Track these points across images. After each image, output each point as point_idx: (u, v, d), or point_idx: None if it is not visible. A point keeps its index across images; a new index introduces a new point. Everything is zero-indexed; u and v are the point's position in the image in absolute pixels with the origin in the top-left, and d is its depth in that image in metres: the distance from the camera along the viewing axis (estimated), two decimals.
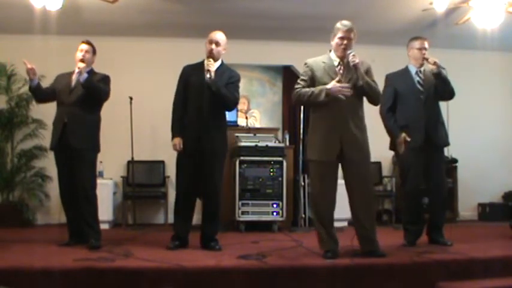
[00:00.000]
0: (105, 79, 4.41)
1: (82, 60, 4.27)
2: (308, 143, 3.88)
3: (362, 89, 3.75)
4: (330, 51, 3.87)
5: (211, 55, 4.15)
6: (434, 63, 4.23)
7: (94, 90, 4.26)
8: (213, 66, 4.07)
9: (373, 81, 3.84)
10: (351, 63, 3.68)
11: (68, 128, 4.21)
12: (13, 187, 6.45)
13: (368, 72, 3.82)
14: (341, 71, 3.76)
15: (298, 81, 3.90)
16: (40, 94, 4.37)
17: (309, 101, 3.78)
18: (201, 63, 4.22)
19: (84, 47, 4.36)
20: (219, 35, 4.20)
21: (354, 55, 3.69)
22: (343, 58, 3.77)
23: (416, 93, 4.34)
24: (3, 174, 6.41)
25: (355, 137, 3.73)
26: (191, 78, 4.22)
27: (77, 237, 4.30)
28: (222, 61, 4.29)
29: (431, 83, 4.33)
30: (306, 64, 3.88)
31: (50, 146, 4.39)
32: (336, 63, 3.80)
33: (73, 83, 4.30)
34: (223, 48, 4.24)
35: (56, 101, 4.40)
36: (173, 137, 4.22)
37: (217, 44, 4.17)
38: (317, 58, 3.88)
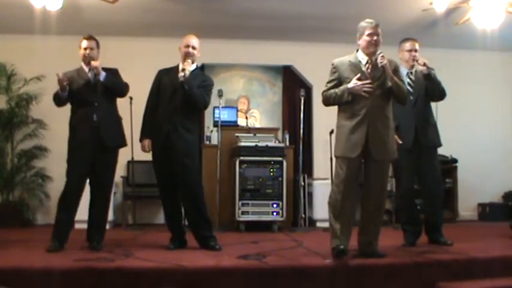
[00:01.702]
0: (117, 73, 4.36)
1: (93, 58, 4.17)
2: (335, 140, 3.86)
3: (390, 89, 3.73)
4: (357, 50, 3.83)
5: (188, 57, 4.17)
6: (424, 64, 4.23)
7: (116, 87, 4.24)
8: (189, 65, 4.12)
9: (401, 80, 3.85)
10: (380, 64, 3.67)
11: (101, 127, 4.10)
12: (13, 187, 6.46)
13: (396, 71, 3.82)
14: (369, 70, 3.72)
15: (326, 83, 3.88)
16: (65, 101, 4.21)
17: (335, 102, 3.78)
18: (176, 66, 4.27)
19: (88, 43, 4.22)
20: (194, 40, 4.24)
21: (382, 56, 3.68)
22: (372, 55, 3.74)
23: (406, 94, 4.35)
24: (3, 174, 6.41)
25: (381, 137, 3.70)
26: (163, 80, 4.26)
27: (65, 240, 4.11)
28: (197, 65, 4.33)
29: (422, 84, 4.34)
30: (332, 65, 3.86)
31: (77, 146, 4.12)
32: (364, 62, 3.76)
33: (92, 80, 4.18)
34: (198, 51, 4.27)
35: (71, 101, 4.23)
36: (141, 138, 4.26)
37: (193, 47, 4.22)
38: (343, 57, 3.85)
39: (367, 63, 3.75)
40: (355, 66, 3.75)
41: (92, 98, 4.15)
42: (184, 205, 4.24)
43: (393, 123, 3.85)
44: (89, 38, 4.26)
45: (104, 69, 4.26)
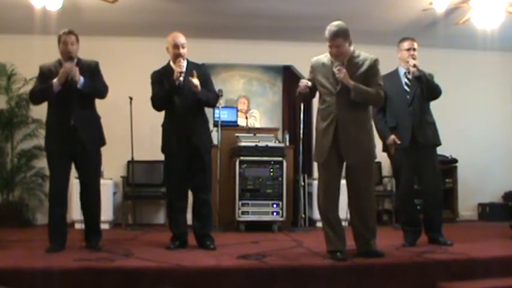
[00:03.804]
0: (96, 69, 4.20)
1: (71, 57, 4.02)
2: (317, 146, 3.85)
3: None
4: None
5: (179, 58, 4.12)
6: (414, 66, 4.19)
7: (95, 92, 4.14)
8: (183, 68, 4.07)
9: (375, 80, 3.69)
10: (338, 78, 3.60)
11: (78, 130, 4.03)
12: (13, 187, 6.46)
13: (369, 72, 3.68)
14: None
15: None
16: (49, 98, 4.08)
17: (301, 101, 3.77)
18: (168, 67, 4.24)
19: (68, 38, 4.06)
20: (182, 38, 4.20)
21: (339, 69, 3.57)
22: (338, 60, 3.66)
23: (403, 94, 4.35)
24: (3, 174, 6.41)
25: (355, 139, 3.68)
26: (163, 84, 4.20)
27: (64, 242, 4.10)
28: (187, 60, 4.27)
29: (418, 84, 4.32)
30: (311, 63, 3.85)
31: (55, 149, 4.07)
32: (335, 63, 3.68)
33: (69, 80, 3.99)
34: (186, 48, 4.24)
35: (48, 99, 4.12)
36: None
37: (183, 46, 4.18)
38: (320, 57, 3.82)
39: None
40: (327, 69, 3.72)
41: (69, 99, 4.01)
42: (196, 203, 4.28)
43: (371, 125, 3.83)
44: (69, 32, 4.11)
45: (85, 63, 4.14)
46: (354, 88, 3.60)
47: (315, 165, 7.11)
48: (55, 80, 3.97)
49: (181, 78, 4.06)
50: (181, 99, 4.16)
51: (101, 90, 4.19)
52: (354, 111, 3.69)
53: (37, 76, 4.22)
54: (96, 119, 4.27)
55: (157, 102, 4.22)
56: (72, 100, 4.03)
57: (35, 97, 4.15)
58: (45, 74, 4.11)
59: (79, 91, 4.02)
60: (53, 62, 4.16)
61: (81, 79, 4.00)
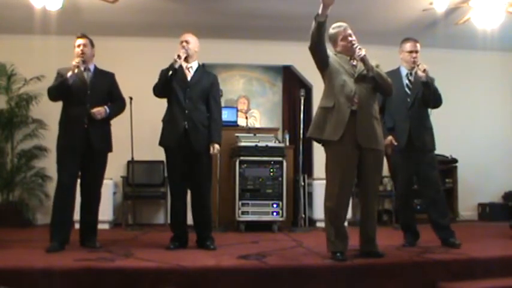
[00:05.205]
0: (113, 80, 4.41)
1: (82, 56, 4.17)
2: (320, 123, 3.74)
3: (374, 80, 3.70)
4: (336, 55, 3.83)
5: (182, 49, 4.21)
6: (424, 71, 4.16)
7: (118, 114, 4.42)
8: (183, 54, 4.15)
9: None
10: (358, 57, 3.66)
11: (91, 131, 4.13)
12: (13, 187, 6.46)
13: (377, 67, 3.78)
14: (354, 63, 3.73)
15: None
16: (65, 93, 4.14)
17: (316, 32, 3.56)
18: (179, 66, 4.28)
19: (81, 41, 4.22)
20: (188, 37, 4.28)
21: (360, 48, 3.66)
22: (353, 55, 3.73)
23: (403, 96, 4.31)
24: (3, 174, 6.42)
25: (372, 127, 3.70)
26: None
27: (65, 241, 4.13)
28: (198, 63, 4.34)
29: (420, 87, 4.26)
30: None
31: (67, 147, 4.14)
32: (348, 59, 3.76)
33: (88, 81, 4.21)
34: (196, 46, 4.30)
35: (65, 98, 4.21)
36: None
37: (187, 42, 4.24)
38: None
39: (350, 59, 3.75)
40: (342, 60, 3.75)
41: (84, 99, 4.16)
42: (193, 202, 4.27)
43: (379, 116, 3.85)
44: (82, 36, 4.27)
45: (100, 70, 4.33)
46: (373, 68, 3.69)
47: (315, 165, 7.18)
48: (69, 73, 4.10)
49: (179, 61, 4.12)
50: (186, 94, 4.19)
51: (122, 108, 4.48)
52: (371, 99, 3.74)
53: (54, 78, 4.29)
54: (108, 124, 4.36)
55: (159, 83, 4.23)
56: (88, 100, 4.16)
57: (53, 94, 4.21)
58: (62, 76, 4.21)
59: (94, 95, 4.18)
60: (69, 66, 4.25)
61: (107, 110, 4.22)
